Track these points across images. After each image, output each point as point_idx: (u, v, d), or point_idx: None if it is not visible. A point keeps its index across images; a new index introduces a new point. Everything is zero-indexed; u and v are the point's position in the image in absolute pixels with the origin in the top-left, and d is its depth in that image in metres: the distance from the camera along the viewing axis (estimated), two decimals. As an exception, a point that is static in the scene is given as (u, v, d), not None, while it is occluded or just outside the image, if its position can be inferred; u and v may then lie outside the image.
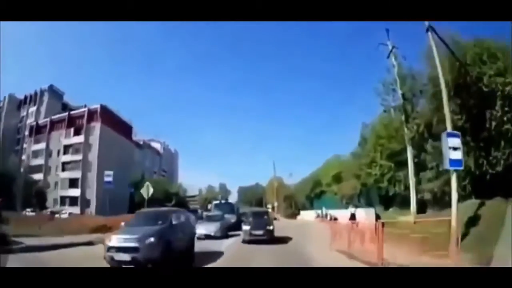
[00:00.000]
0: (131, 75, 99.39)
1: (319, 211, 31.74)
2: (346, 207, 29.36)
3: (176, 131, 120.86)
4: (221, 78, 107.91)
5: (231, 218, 19.28)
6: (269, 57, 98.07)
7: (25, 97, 69.79)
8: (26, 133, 64.89)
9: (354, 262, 8.08)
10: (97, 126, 54.47)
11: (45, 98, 67.87)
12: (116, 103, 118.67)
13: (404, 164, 18.53)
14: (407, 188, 18.00)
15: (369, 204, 23.21)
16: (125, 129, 58.72)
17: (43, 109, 66.63)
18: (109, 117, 55.41)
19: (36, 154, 60.60)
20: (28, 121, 66.46)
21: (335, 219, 26.34)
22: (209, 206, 25.24)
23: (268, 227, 13.22)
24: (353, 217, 17.30)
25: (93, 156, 53.88)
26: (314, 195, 38.09)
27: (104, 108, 55.51)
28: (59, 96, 70.32)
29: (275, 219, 15.15)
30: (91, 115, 55.86)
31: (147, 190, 16.20)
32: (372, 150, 21.88)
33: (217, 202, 23.56)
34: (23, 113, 69.41)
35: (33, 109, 68.12)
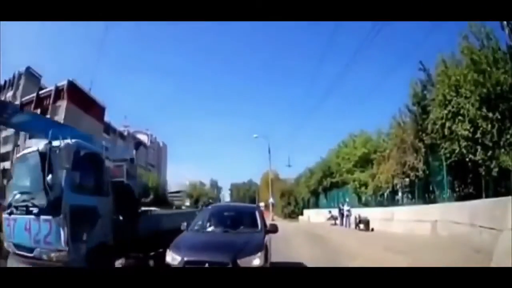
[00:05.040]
0: (121, 68, 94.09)
1: (334, 210, 20.47)
2: (367, 204, 19.07)
3: (166, 124, 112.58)
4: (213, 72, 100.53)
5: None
6: (261, 48, 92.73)
7: (5, 82, 61.88)
8: (2, 119, 57.14)
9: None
10: (62, 105, 44.69)
11: (22, 81, 60.06)
12: (106, 95, 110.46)
13: None
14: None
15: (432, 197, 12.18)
16: (96, 110, 48.22)
17: (18, 93, 58.67)
18: (77, 96, 45.25)
19: (6, 140, 51.78)
20: (6, 107, 58.79)
21: (366, 223, 15.34)
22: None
23: None
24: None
25: (56, 140, 44.25)
26: (322, 189, 26.86)
27: (71, 85, 45.25)
28: (36, 80, 61.78)
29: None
30: (58, 93, 46.32)
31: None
32: (448, 90, 10.90)
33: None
34: (2, 98, 62.05)
35: (10, 93, 60.35)
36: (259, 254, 4.05)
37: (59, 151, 4.60)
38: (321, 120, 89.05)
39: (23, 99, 53.30)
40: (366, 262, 6.76)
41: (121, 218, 5.77)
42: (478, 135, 10.23)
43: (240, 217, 5.40)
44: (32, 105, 50.76)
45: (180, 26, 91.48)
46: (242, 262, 3.84)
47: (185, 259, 3.90)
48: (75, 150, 4.83)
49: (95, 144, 5.86)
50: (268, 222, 5.94)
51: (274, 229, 5.12)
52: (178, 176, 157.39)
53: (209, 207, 6.52)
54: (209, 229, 5.14)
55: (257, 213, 5.43)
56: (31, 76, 59.24)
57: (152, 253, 6.34)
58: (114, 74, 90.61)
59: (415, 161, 12.39)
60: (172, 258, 4.06)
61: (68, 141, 4.78)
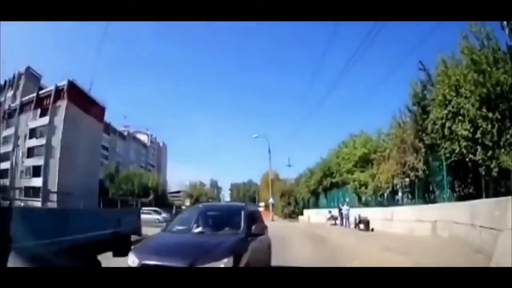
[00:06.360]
0: (122, 68, 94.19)
1: (334, 210, 20.53)
2: (367, 204, 18.75)
3: (166, 124, 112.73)
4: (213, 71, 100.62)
5: None
6: (260, 48, 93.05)
7: (5, 82, 61.90)
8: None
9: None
10: (62, 105, 44.74)
11: (22, 81, 60.01)
12: (106, 94, 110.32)
13: None
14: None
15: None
16: (96, 110, 48.22)
17: (18, 93, 58.68)
18: (77, 96, 45.29)
19: (6, 140, 51.46)
20: (6, 107, 58.23)
21: (366, 223, 15.36)
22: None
23: None
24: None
25: (56, 139, 44.33)
26: (322, 189, 26.88)
27: (72, 85, 45.27)
28: (36, 80, 61.69)
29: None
30: (58, 93, 46.36)
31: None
32: (448, 90, 10.94)
33: None
34: (2, 98, 61.86)
35: (10, 93, 60.41)
36: (225, 260, 3.59)
37: None
38: (321, 120, 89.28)
39: (23, 99, 53.45)
40: (366, 263, 6.75)
41: None
42: (478, 135, 10.22)
43: (223, 218, 4.99)
44: (32, 105, 51.00)
45: (180, 25, 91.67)
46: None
47: (142, 262, 3.70)
48: None
49: None
50: (268, 222, 5.93)
51: (260, 231, 4.68)
52: (178, 176, 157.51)
53: (197, 205, 6.24)
54: (194, 230, 4.69)
55: (243, 213, 4.85)
56: (31, 76, 59.14)
57: None
58: (114, 74, 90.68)
59: (415, 161, 12.39)
60: (132, 260, 3.85)
61: None
